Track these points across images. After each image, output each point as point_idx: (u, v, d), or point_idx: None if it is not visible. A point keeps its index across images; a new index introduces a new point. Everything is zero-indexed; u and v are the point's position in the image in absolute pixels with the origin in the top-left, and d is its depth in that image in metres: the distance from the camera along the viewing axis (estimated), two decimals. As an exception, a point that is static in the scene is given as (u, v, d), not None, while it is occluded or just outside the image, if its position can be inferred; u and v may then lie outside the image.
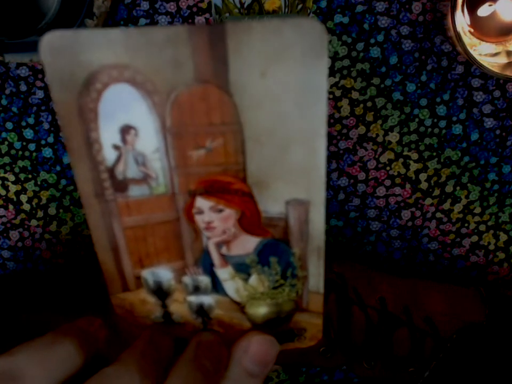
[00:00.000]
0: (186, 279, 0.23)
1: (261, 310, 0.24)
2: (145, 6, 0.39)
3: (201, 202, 0.22)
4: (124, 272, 0.23)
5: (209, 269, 0.23)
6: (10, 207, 0.44)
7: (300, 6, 0.38)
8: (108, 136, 0.20)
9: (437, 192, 0.44)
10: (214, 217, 0.22)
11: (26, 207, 0.44)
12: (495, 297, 0.41)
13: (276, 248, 0.23)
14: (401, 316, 0.39)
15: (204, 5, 0.39)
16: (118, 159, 0.21)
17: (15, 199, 0.44)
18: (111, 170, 0.21)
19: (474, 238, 0.45)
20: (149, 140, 0.21)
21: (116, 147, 0.20)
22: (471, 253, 0.46)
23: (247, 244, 0.23)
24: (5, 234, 0.45)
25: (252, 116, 0.20)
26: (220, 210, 0.22)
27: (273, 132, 0.20)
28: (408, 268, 0.46)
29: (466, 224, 0.45)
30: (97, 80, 0.19)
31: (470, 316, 0.40)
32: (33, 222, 0.44)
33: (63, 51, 0.19)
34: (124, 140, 0.20)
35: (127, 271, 0.23)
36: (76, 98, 0.19)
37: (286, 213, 0.22)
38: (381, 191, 0.44)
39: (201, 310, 0.24)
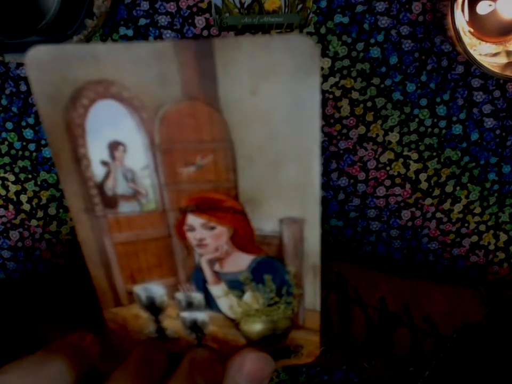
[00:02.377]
0: (179, 295, 0.23)
1: (256, 327, 0.24)
2: (145, 6, 0.39)
3: (193, 220, 0.22)
4: (116, 287, 0.23)
5: (202, 286, 0.23)
6: (10, 207, 0.44)
7: (299, 6, 0.38)
8: (96, 152, 0.20)
9: (437, 192, 0.44)
10: (206, 235, 0.22)
11: (26, 207, 0.44)
12: (495, 297, 0.41)
13: (270, 266, 0.22)
14: (401, 316, 0.39)
15: (204, 5, 0.39)
16: (107, 175, 0.21)
17: (15, 199, 0.44)
18: (101, 186, 0.21)
19: (474, 238, 0.45)
20: (137, 156, 0.20)
21: (105, 163, 0.20)
22: (471, 253, 0.46)
23: (241, 261, 0.22)
24: (5, 234, 0.45)
25: (243, 133, 0.20)
26: (212, 228, 0.22)
27: (265, 149, 0.20)
28: (408, 268, 0.46)
29: (466, 224, 0.45)
30: (84, 96, 0.19)
31: (470, 315, 0.40)
32: (33, 222, 0.44)
33: (48, 66, 0.18)
34: (112, 156, 0.20)
35: (119, 286, 0.23)
36: (63, 113, 0.19)
37: (280, 231, 0.21)
38: (381, 191, 0.44)
39: (195, 326, 0.24)
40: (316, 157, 0.20)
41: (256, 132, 0.20)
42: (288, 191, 0.21)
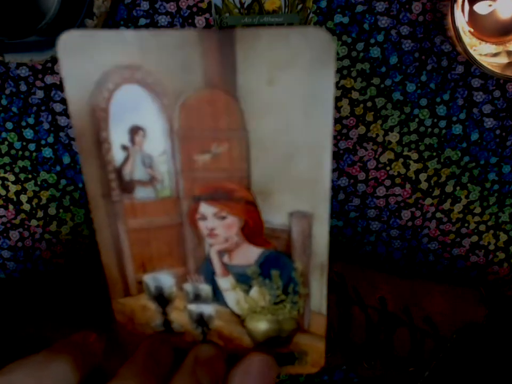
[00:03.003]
0: (188, 287, 0.23)
1: (261, 326, 0.24)
2: (145, 6, 0.39)
3: (205, 208, 0.22)
4: (126, 276, 0.23)
5: (210, 278, 0.23)
6: (10, 207, 0.44)
7: (299, 6, 0.38)
8: (117, 136, 0.20)
9: (437, 192, 0.44)
10: (217, 224, 0.22)
11: (26, 207, 0.44)
12: (495, 297, 0.41)
13: (278, 261, 0.23)
14: (401, 316, 0.39)
15: (204, 5, 0.39)
16: (126, 160, 0.21)
17: (15, 199, 0.44)
18: (119, 171, 0.21)
19: (474, 238, 0.45)
20: (156, 142, 0.21)
21: (124, 147, 0.21)
22: (471, 253, 0.46)
23: (249, 254, 0.23)
24: (5, 234, 0.45)
25: (258, 123, 0.20)
26: (223, 217, 0.22)
27: (278, 140, 0.20)
28: (408, 268, 0.46)
29: (466, 224, 0.45)
30: (110, 80, 0.20)
31: (470, 315, 0.40)
32: (33, 222, 0.44)
33: (79, 50, 0.19)
34: (132, 141, 0.21)
35: (130, 275, 0.23)
36: (89, 97, 0.20)
37: (289, 225, 0.22)
38: (381, 191, 0.44)
39: (201, 320, 0.24)
40: (327, 153, 0.20)
41: (271, 122, 0.20)
42: (299, 184, 0.21)
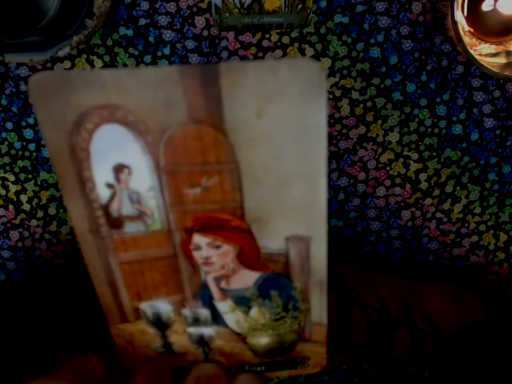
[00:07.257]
0: (186, 312, 0.23)
1: (262, 341, 0.24)
2: (145, 6, 0.39)
3: (199, 239, 0.22)
4: (122, 304, 0.23)
5: (208, 302, 0.23)
6: (10, 207, 0.44)
7: (299, 6, 0.38)
8: (101, 174, 0.20)
9: (437, 192, 0.44)
10: (212, 253, 0.22)
11: (26, 207, 0.44)
12: (495, 297, 0.41)
13: (277, 282, 0.22)
14: (401, 316, 0.39)
15: (204, 5, 0.39)
16: (112, 197, 0.21)
17: (15, 199, 0.44)
18: (106, 208, 0.21)
19: (474, 238, 0.45)
20: (143, 179, 0.20)
21: (110, 185, 0.20)
22: (471, 253, 0.46)
23: (247, 278, 0.22)
24: (5, 234, 0.45)
25: (249, 154, 0.20)
26: (218, 246, 0.22)
27: (271, 170, 0.20)
28: (408, 268, 0.46)
29: (466, 224, 0.45)
30: (88, 120, 0.19)
31: (470, 316, 0.40)
32: (33, 222, 0.44)
33: (52, 91, 0.18)
34: (117, 178, 0.20)
35: (125, 304, 0.23)
36: (67, 137, 0.19)
37: (287, 249, 0.22)
38: (381, 191, 0.44)
39: (201, 341, 0.24)
40: (322, 177, 0.20)
41: (262, 153, 0.20)
42: (295, 210, 0.21)
